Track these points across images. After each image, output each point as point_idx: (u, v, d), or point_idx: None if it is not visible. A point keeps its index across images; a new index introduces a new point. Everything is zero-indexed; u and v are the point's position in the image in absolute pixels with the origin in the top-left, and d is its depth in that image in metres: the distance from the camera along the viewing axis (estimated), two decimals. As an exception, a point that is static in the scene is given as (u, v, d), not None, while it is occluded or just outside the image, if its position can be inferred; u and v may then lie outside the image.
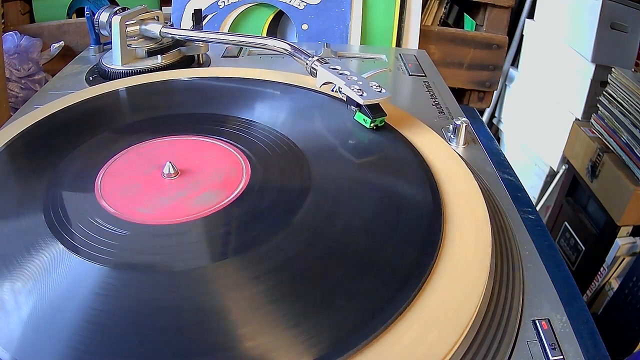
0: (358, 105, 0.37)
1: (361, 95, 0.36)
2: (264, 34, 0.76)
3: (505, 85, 1.33)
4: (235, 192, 0.31)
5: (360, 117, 0.38)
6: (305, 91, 0.43)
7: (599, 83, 0.98)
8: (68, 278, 0.25)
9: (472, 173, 0.34)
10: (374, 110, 0.37)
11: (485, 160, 0.40)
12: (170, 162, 0.32)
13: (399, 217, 0.29)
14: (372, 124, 0.37)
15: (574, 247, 0.98)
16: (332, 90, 0.40)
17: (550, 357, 0.24)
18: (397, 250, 0.27)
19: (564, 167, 1.07)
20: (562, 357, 0.24)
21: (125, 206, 0.30)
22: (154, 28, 0.52)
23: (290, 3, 0.73)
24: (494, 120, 1.40)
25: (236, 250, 0.27)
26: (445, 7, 0.85)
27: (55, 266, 0.25)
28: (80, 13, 0.89)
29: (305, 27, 0.73)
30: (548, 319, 0.26)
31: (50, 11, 0.87)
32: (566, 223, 1.01)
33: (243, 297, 0.24)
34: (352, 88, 0.37)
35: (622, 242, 0.85)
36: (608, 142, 0.88)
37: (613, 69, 0.87)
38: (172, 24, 0.55)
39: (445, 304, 0.24)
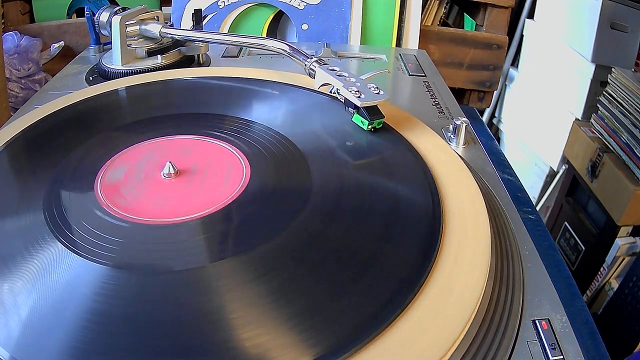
0: (356, 107, 0.37)
1: (359, 97, 0.36)
2: (264, 34, 0.76)
3: (505, 85, 1.34)
4: (235, 192, 0.31)
5: (358, 119, 0.37)
6: (305, 91, 0.43)
7: (599, 83, 0.98)
8: (68, 277, 0.25)
9: (472, 173, 0.34)
10: (372, 112, 0.37)
11: (485, 160, 0.40)
12: (170, 162, 0.32)
13: (398, 217, 0.29)
14: (369, 126, 0.37)
15: (574, 247, 0.98)
16: (330, 92, 0.40)
17: (550, 357, 0.24)
18: (397, 251, 0.27)
19: (564, 167, 1.07)
20: (562, 357, 0.24)
21: (125, 206, 0.30)
22: (154, 28, 0.52)
23: (290, 3, 0.73)
24: (494, 120, 1.40)
25: (236, 250, 0.27)
26: (445, 7, 0.85)
27: (55, 265, 0.25)
28: (80, 13, 0.89)
29: (305, 27, 0.73)
30: (548, 319, 0.26)
31: (50, 11, 0.87)
32: (566, 223, 1.01)
33: (243, 297, 0.24)
34: (350, 90, 0.37)
35: (622, 242, 0.85)
36: (608, 142, 0.88)
37: (613, 69, 0.87)
38: (172, 24, 0.55)
39: (445, 304, 0.24)
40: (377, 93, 0.37)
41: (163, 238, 0.28)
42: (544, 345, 0.25)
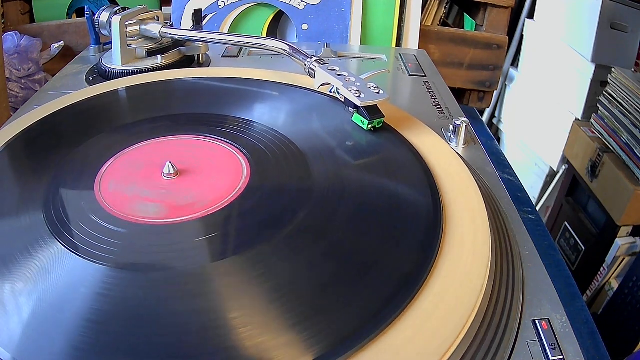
0: (356, 107, 0.37)
1: (359, 96, 0.36)
2: (264, 34, 0.76)
3: (505, 85, 1.34)
4: (235, 192, 0.31)
5: (357, 118, 0.37)
6: (305, 91, 0.43)
7: (599, 83, 0.98)
8: (68, 277, 0.25)
9: (472, 173, 0.34)
10: (372, 111, 0.37)
11: (485, 160, 0.40)
12: (170, 162, 0.32)
13: (398, 217, 0.29)
14: (369, 126, 0.37)
15: (574, 247, 0.98)
16: (330, 92, 0.40)
17: (550, 357, 0.24)
18: (397, 251, 0.27)
19: (564, 167, 1.07)
20: (562, 357, 0.24)
21: (125, 206, 0.30)
22: (154, 28, 0.52)
23: (290, 3, 0.73)
24: (494, 120, 1.40)
25: (236, 250, 0.27)
26: (445, 7, 0.85)
27: (55, 265, 0.25)
28: (80, 13, 0.89)
29: (305, 27, 0.73)
30: (548, 319, 0.26)
31: (50, 11, 0.87)
32: (566, 223, 1.01)
33: (243, 297, 0.24)
34: (350, 89, 0.37)
35: (622, 242, 0.85)
36: (608, 142, 0.88)
37: (613, 69, 0.87)
38: (172, 24, 0.55)
39: (445, 304, 0.24)
40: (377, 92, 0.37)
41: (163, 238, 0.28)
42: (544, 345, 0.25)
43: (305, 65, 0.42)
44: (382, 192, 0.31)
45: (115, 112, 0.42)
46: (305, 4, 0.73)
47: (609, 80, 0.88)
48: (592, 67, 0.98)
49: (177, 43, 0.54)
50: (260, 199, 0.31)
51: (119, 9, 0.53)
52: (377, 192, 0.31)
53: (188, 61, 0.55)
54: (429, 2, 0.83)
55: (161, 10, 0.57)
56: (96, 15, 0.54)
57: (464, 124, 0.42)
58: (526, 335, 0.25)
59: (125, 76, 0.49)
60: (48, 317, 0.23)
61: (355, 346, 0.21)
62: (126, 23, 0.51)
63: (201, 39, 0.51)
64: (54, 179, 0.32)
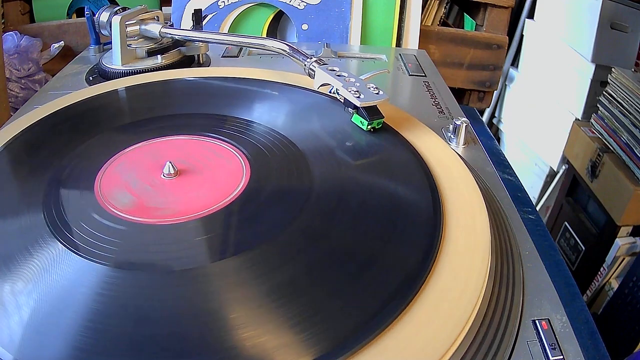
0: (355, 107, 0.37)
1: (358, 97, 0.36)
2: (264, 34, 0.76)
3: (505, 85, 1.34)
4: (235, 192, 0.31)
5: (357, 119, 0.37)
6: (305, 92, 0.43)
7: (599, 83, 0.98)
8: (68, 277, 0.25)
9: (472, 173, 0.34)
10: (371, 112, 0.37)
11: (485, 160, 0.40)
12: (170, 162, 0.32)
13: (398, 217, 0.29)
14: (369, 126, 0.37)
15: (574, 247, 0.98)
16: (330, 92, 0.40)
17: (550, 357, 0.24)
18: (397, 251, 0.27)
19: (564, 167, 1.07)
20: (562, 357, 0.24)
21: (125, 206, 0.30)
22: (154, 28, 0.52)
23: (290, 3, 0.73)
24: (494, 120, 1.40)
25: (236, 250, 0.27)
26: (445, 7, 0.85)
27: (55, 265, 0.25)
28: (80, 13, 0.89)
29: (305, 27, 0.73)
30: (548, 319, 0.26)
31: (50, 11, 0.87)
32: (566, 223, 1.01)
33: (243, 297, 0.24)
34: (349, 90, 0.37)
35: (622, 242, 0.85)
36: (608, 142, 0.88)
37: (613, 69, 0.87)
38: (172, 24, 0.55)
39: (444, 304, 0.24)
40: (377, 93, 0.37)
41: (163, 238, 0.28)
42: (544, 345, 0.25)
43: (305, 65, 0.42)
44: (381, 192, 0.31)
45: (115, 112, 0.42)
46: (305, 4, 0.73)
47: (609, 80, 0.88)
48: (592, 67, 0.98)
49: (177, 43, 0.54)
50: (260, 199, 0.31)
51: (119, 9, 0.53)
52: (376, 193, 0.31)
53: (188, 61, 0.55)
54: (429, 2, 0.83)
55: (161, 10, 0.57)
56: (96, 15, 0.54)
57: (464, 124, 0.42)
58: (526, 335, 0.25)
59: (125, 76, 0.49)
60: (49, 317, 0.23)
61: (355, 346, 0.21)
62: (126, 23, 0.51)
63: (201, 39, 0.51)
64: (54, 179, 0.32)
